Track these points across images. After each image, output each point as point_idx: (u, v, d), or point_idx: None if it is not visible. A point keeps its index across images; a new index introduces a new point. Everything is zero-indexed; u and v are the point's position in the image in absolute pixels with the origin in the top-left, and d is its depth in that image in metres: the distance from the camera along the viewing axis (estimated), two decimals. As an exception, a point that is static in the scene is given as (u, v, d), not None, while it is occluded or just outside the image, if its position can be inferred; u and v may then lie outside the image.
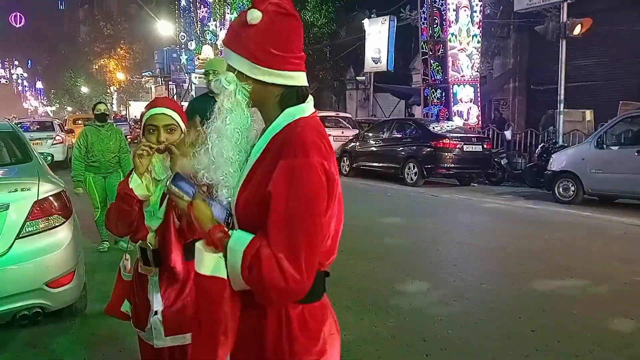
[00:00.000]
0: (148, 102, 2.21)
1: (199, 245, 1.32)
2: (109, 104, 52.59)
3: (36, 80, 75.65)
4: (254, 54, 1.31)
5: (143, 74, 45.36)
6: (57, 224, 3.58)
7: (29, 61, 72.73)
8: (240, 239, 1.25)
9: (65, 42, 54.60)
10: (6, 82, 69.75)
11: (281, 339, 1.31)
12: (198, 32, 36.95)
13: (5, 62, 70.06)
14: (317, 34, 23.76)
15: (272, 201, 1.22)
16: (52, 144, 15.53)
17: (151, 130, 2.01)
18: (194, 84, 38.09)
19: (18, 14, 31.43)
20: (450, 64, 16.03)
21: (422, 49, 16.99)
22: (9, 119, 11.76)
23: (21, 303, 3.35)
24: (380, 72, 21.31)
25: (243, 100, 1.34)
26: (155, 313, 2.02)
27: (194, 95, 37.51)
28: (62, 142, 16.10)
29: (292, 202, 1.21)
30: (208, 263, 1.29)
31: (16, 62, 71.10)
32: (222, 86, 1.33)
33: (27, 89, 77.50)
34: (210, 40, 34.67)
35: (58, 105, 69.06)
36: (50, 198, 3.55)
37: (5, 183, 3.44)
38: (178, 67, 38.56)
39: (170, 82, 40.25)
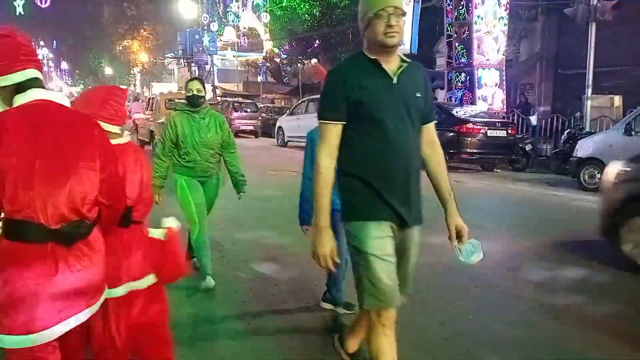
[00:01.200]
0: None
1: None
2: (132, 85, 53.26)
3: (61, 61, 76.76)
4: None
5: (166, 55, 45.60)
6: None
7: (54, 42, 73.75)
8: None
9: (89, 23, 55.03)
10: (33, 62, 70.95)
11: None
12: (220, 13, 36.92)
13: (32, 43, 71.03)
14: (339, 16, 23.53)
15: None
16: None
17: None
18: (216, 65, 38.18)
19: (44, -6, 32.02)
20: (475, 47, 15.77)
21: (447, 31, 16.73)
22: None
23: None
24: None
25: None
26: None
27: (218, 77, 37.68)
28: None
29: None
30: None
31: (42, 43, 72.18)
32: None
33: (52, 69, 78.78)
34: (233, 21, 34.63)
35: (82, 86, 70.12)
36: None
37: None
38: (200, 48, 38.62)
39: (192, 64, 40.37)
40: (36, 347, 1.80)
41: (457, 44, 16.10)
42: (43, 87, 1.94)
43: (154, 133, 14.75)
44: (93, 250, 1.94)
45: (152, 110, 16.14)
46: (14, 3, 31.55)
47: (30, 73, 1.90)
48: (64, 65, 76.70)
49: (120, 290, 2.23)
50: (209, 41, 37.05)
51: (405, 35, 20.30)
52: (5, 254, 1.80)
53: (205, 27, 37.61)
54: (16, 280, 1.78)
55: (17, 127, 1.80)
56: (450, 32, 16.38)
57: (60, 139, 1.88)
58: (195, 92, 4.19)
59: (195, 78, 4.44)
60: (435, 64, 21.02)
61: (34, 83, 1.90)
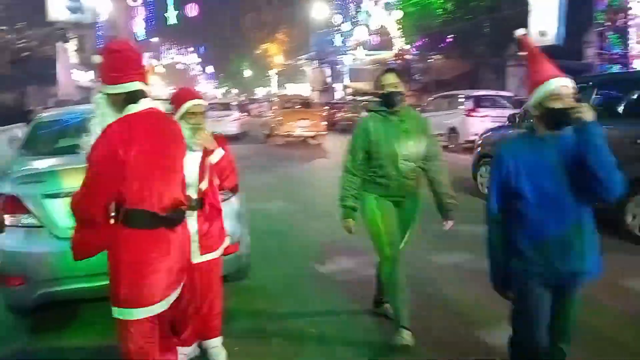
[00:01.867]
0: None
1: None
2: (269, 86, 56.12)
3: (207, 66, 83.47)
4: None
5: (299, 57, 47.40)
6: (225, 198, 3.88)
7: (201, 47, 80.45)
8: None
9: (232, 29, 59.19)
10: (183, 67, 78.40)
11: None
12: (352, 13, 37.38)
13: (182, 49, 78.58)
14: (473, 9, 22.49)
15: None
16: (230, 121, 19.42)
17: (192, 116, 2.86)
18: (348, 65, 38.78)
19: (194, 4, 35.16)
20: (633, 35, 14.09)
21: (598, 19, 15.16)
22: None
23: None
24: (546, 47, 19.51)
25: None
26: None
27: (349, 77, 38.24)
28: (238, 119, 20.62)
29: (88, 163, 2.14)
30: None
31: (191, 49, 79.25)
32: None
33: (199, 73, 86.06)
34: (364, 21, 34.85)
35: (226, 88, 75.52)
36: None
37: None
38: (332, 49, 39.50)
39: (324, 65, 41.46)
40: (151, 317, 2.22)
41: (610, 33, 14.54)
42: (148, 97, 2.29)
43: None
44: (185, 232, 2.38)
45: (272, 110, 19.40)
46: (165, 14, 35.28)
47: (138, 85, 2.22)
48: (209, 69, 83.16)
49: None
50: (341, 41, 37.77)
51: (551, 25, 18.81)
52: (129, 240, 2.17)
53: (337, 28, 38.37)
54: (140, 262, 2.17)
55: (140, 131, 2.16)
56: (602, 20, 14.82)
57: (168, 142, 2.28)
58: (391, 89, 3.22)
59: (391, 70, 3.41)
60: (584, 56, 19.18)
61: (141, 94, 2.23)
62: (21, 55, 16.28)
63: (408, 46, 31.71)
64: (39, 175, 3.59)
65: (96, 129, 2.20)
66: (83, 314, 3.91)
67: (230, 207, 3.85)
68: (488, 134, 8.65)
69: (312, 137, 17.44)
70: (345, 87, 37.76)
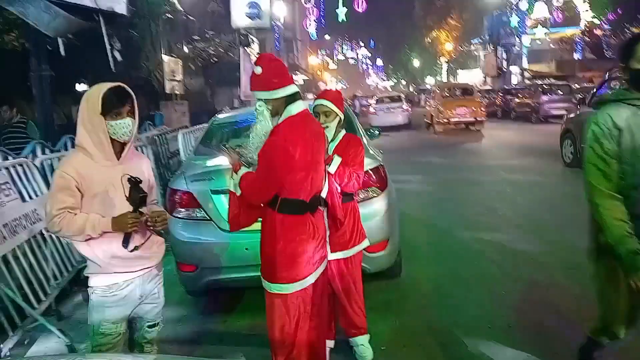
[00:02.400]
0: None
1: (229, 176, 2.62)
2: (439, 76, 54.70)
3: (376, 59, 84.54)
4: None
5: (472, 41, 45.23)
6: (373, 196, 3.86)
7: (371, 41, 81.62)
8: (242, 172, 2.52)
9: (402, 19, 58.85)
10: (354, 62, 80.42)
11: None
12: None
13: (353, 45, 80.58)
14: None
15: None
16: (399, 112, 21.38)
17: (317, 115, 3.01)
18: (526, 46, 35.90)
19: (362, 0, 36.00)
20: None
21: None
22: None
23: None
24: None
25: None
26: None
27: (527, 59, 35.42)
28: (406, 111, 21.88)
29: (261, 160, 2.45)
30: (230, 184, 2.57)
31: (361, 44, 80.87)
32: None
33: (369, 67, 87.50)
34: (545, -4, 31.89)
35: (395, 81, 75.61)
36: (369, 171, 3.82)
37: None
38: (507, 30, 36.93)
39: (499, 48, 38.97)
40: (300, 291, 2.49)
41: None
42: (302, 99, 2.55)
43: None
44: (321, 218, 2.68)
45: (433, 99, 20.15)
46: (337, 11, 36.58)
47: (294, 88, 2.49)
48: (379, 62, 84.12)
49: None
50: (518, 22, 35.08)
51: None
52: (284, 224, 2.47)
53: (514, 7, 35.71)
54: (294, 242, 2.47)
55: (302, 131, 2.46)
56: None
57: (317, 140, 2.56)
58: None
59: None
60: None
61: (298, 96, 2.50)
62: (211, 61, 18.25)
63: (598, 20, 28.17)
64: (207, 173, 3.93)
65: (258, 132, 2.48)
66: (245, 298, 4.25)
67: (375, 206, 3.82)
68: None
69: (472, 124, 18.01)
70: (523, 70, 34.99)
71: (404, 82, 72.50)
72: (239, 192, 2.51)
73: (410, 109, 22.87)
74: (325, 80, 57.82)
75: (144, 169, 2.40)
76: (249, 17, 17.63)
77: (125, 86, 2.22)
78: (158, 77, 16.12)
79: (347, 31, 73.39)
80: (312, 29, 38.50)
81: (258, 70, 2.41)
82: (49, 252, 4.23)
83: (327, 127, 2.99)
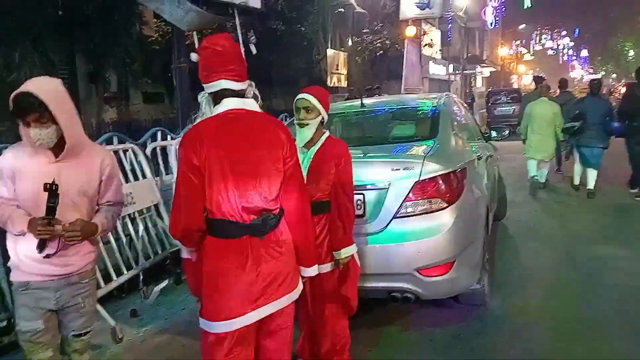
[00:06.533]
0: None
1: None
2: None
3: (581, 49, 75.24)
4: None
5: None
6: (437, 208, 3.24)
7: (576, 30, 72.80)
8: None
9: (614, 3, 51.46)
10: (553, 52, 72.49)
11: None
12: None
13: (554, 34, 72.53)
14: None
15: None
16: None
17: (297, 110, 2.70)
18: None
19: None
20: None
21: None
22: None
23: (392, 284, 3.27)
24: None
25: None
26: None
27: None
28: None
29: None
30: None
31: (563, 32, 72.62)
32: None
33: (572, 58, 78.18)
34: None
35: (604, 73, 66.61)
36: (436, 179, 3.24)
37: (389, 161, 3.34)
38: None
39: None
40: (229, 334, 1.92)
41: None
42: (239, 97, 2.01)
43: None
44: (283, 241, 2.02)
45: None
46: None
47: (224, 84, 1.98)
48: (584, 52, 75.00)
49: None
50: None
51: None
52: (207, 248, 1.96)
53: None
54: (214, 274, 1.94)
55: (211, 136, 1.91)
56: None
57: (250, 144, 1.96)
58: None
59: None
60: None
61: (227, 93, 1.98)
62: (377, 54, 18.09)
63: None
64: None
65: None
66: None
67: (438, 220, 3.20)
68: None
69: None
70: None
71: (614, 76, 63.66)
72: (194, 258, 2.06)
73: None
74: (519, 73, 53.05)
75: (96, 168, 2.26)
76: (419, 7, 17.01)
77: (36, 92, 1.98)
78: (322, 70, 16.54)
79: (545, 19, 66.68)
80: (489, 17, 35.38)
81: (193, 57, 2.05)
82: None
83: (306, 124, 2.61)
